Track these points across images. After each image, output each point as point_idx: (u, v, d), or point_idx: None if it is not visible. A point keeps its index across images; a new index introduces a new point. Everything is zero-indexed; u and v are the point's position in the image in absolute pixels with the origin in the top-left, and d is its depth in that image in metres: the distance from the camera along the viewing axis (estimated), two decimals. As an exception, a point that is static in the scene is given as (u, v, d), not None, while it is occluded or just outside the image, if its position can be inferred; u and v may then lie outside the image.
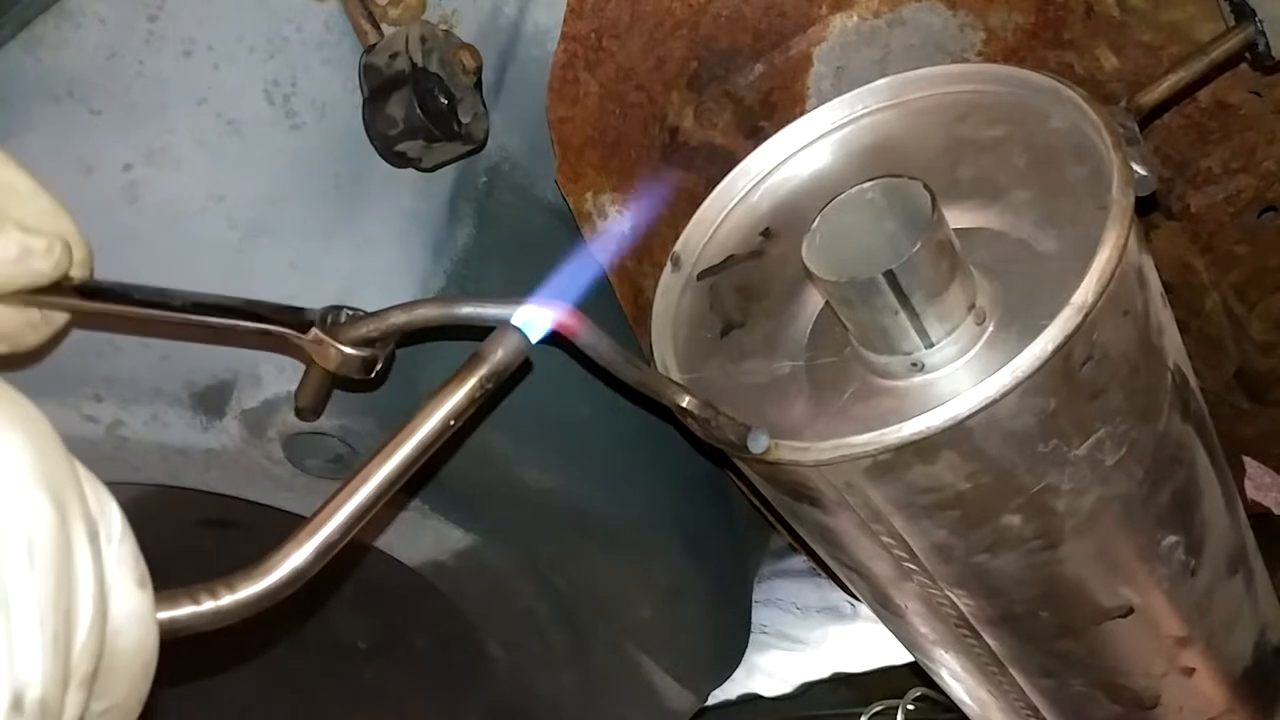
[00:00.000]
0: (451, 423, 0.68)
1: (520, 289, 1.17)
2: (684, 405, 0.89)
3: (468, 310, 0.76)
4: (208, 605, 0.58)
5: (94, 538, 0.49)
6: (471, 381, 0.69)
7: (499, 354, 0.70)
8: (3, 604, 0.44)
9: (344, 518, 0.64)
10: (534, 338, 0.73)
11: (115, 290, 0.73)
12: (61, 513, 0.47)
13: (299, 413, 0.99)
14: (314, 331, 0.79)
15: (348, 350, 0.80)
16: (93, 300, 0.71)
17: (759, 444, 0.87)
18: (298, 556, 0.62)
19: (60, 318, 0.71)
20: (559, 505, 1.27)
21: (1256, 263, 1.29)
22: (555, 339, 0.77)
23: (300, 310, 0.81)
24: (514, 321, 0.73)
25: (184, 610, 0.57)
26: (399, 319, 0.79)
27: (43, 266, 0.66)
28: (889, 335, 0.87)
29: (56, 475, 0.47)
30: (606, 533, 1.32)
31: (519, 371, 0.72)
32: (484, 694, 1.56)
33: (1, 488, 0.45)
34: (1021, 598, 0.99)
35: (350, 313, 0.81)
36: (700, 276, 1.09)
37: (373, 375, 0.82)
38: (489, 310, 0.75)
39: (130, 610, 0.51)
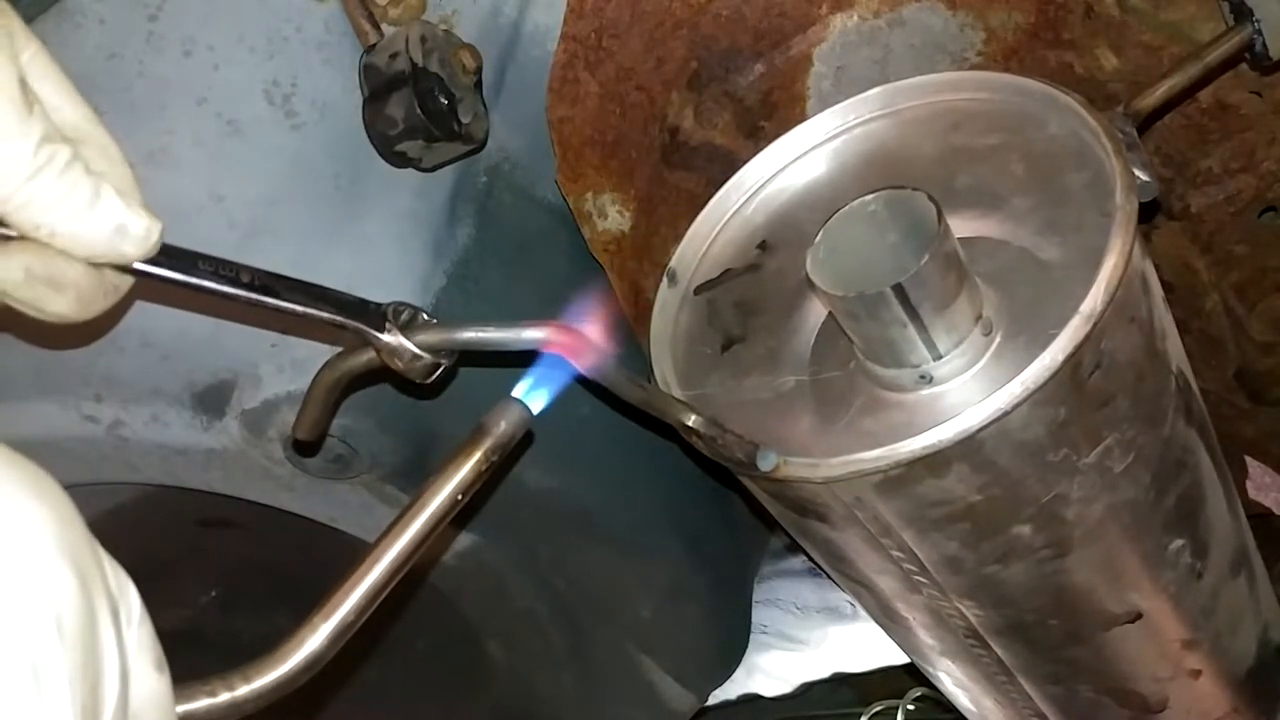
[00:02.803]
0: (460, 497, 0.68)
1: (520, 289, 1.18)
2: (690, 424, 0.88)
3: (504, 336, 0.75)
4: (224, 697, 0.57)
5: (115, 616, 0.48)
6: (477, 455, 0.69)
7: (502, 426, 0.70)
8: (33, 675, 0.42)
9: (358, 599, 0.63)
10: (535, 409, 0.73)
11: (183, 257, 0.67)
12: (86, 588, 0.46)
13: (297, 446, 0.97)
14: (390, 329, 0.75)
15: (422, 354, 0.76)
16: (158, 268, 0.67)
17: (768, 462, 0.87)
18: (313, 642, 0.61)
19: (126, 282, 0.67)
20: (559, 505, 1.27)
21: (1256, 263, 1.29)
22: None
23: (365, 302, 0.76)
24: (515, 394, 0.73)
25: (200, 703, 0.56)
26: (466, 335, 0.76)
27: (131, 252, 0.62)
28: (897, 348, 0.86)
29: (80, 551, 0.46)
30: (607, 533, 1.32)
31: (522, 442, 0.72)
32: (484, 694, 1.56)
33: (29, 559, 0.44)
34: (1031, 606, 0.99)
35: (411, 311, 0.77)
36: (697, 291, 1.07)
37: (430, 381, 0.79)
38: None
39: (150, 694, 0.50)
